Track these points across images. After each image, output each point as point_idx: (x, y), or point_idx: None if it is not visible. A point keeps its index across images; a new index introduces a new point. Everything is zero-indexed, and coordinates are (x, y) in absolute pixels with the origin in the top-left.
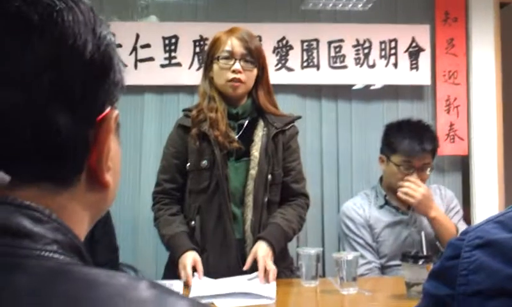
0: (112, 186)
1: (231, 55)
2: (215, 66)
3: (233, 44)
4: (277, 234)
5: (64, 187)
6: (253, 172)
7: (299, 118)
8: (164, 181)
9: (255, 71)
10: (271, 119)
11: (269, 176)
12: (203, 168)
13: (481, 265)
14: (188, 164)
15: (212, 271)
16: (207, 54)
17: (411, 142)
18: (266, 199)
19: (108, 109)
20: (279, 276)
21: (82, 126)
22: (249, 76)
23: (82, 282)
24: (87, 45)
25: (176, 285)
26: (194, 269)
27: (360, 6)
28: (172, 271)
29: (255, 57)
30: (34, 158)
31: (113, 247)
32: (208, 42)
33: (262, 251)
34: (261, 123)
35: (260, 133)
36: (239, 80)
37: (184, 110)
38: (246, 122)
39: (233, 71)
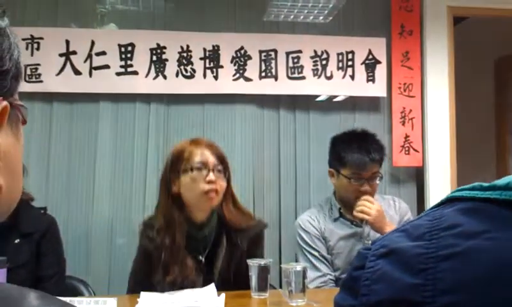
0: (6, 187)
1: (204, 166)
2: (185, 179)
3: (205, 154)
4: None
5: None
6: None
7: (265, 226)
8: (136, 285)
9: (225, 181)
10: (235, 236)
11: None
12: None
13: (383, 275)
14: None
15: None
16: (170, 168)
17: (359, 155)
18: None
19: None
20: None
21: None
22: (221, 186)
23: None
24: None
25: (110, 303)
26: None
27: (320, 18)
28: None
29: (224, 166)
30: None
31: (60, 260)
32: (165, 51)
33: None
34: (224, 243)
35: (220, 255)
36: (215, 191)
37: (144, 224)
38: (210, 243)
39: (209, 182)
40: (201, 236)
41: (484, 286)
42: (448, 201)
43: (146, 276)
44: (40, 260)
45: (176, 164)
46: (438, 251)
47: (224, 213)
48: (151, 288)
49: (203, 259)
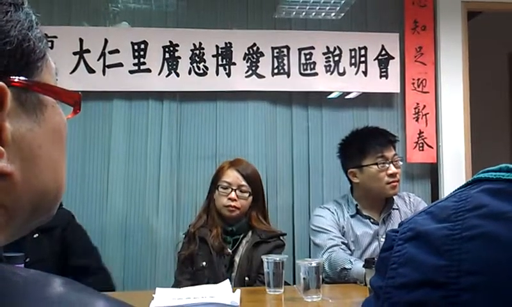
0: (21, 176)
1: (229, 186)
2: (216, 191)
3: (233, 176)
4: None
5: None
6: (233, 274)
7: (284, 234)
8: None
9: (250, 198)
10: (259, 231)
11: (246, 278)
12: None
13: (409, 258)
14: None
15: None
16: (212, 180)
17: (379, 139)
18: None
19: None
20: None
21: None
22: (243, 203)
23: None
24: None
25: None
26: None
27: (332, 14)
28: None
29: (251, 186)
30: None
31: (91, 247)
32: (178, 48)
33: None
34: (249, 234)
35: (244, 242)
36: (234, 207)
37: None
38: (240, 238)
39: (229, 199)
40: (231, 232)
41: (505, 268)
42: (474, 182)
43: (188, 257)
44: (69, 251)
45: (215, 178)
46: (462, 232)
47: (251, 218)
48: (192, 267)
49: (231, 251)
